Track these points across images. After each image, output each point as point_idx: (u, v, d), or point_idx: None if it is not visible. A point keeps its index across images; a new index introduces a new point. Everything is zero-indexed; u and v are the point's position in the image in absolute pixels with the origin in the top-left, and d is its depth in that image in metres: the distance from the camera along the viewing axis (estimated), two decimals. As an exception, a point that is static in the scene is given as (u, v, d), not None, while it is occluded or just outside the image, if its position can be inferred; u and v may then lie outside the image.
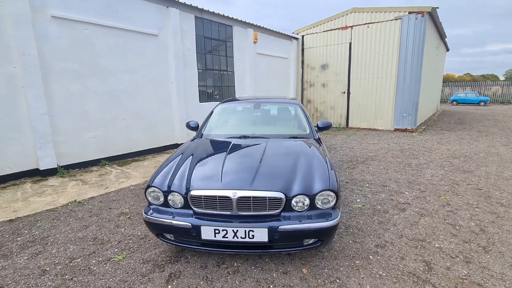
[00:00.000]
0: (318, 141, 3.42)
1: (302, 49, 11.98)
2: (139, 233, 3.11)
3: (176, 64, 7.29)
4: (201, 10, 7.89)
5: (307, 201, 2.27)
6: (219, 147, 3.13)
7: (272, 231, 2.17)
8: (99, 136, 6.07)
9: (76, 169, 5.73)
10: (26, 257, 2.70)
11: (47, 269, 2.50)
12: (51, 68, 5.23)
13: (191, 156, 2.86)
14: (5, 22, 4.68)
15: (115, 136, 6.35)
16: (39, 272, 2.46)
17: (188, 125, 4.04)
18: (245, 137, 3.43)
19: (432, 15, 9.65)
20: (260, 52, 10.18)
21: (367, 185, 4.59)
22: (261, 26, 10.04)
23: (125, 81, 6.40)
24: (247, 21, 9.34)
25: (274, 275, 2.38)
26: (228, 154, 2.84)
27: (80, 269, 2.49)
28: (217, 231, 2.20)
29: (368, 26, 10.18)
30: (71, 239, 3.02)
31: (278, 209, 2.25)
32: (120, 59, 6.26)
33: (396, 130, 10.16)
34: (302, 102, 12.48)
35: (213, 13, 8.16)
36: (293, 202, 2.26)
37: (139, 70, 6.63)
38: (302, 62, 12.09)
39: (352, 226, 3.21)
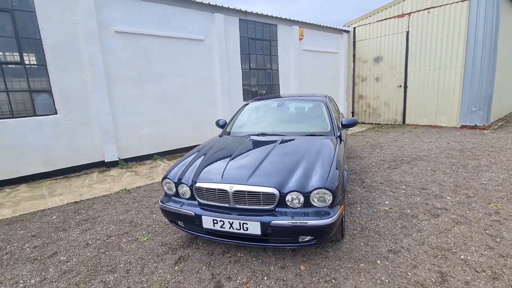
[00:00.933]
0: (338, 138, 3.34)
1: (354, 42, 11.35)
2: (165, 219, 3.50)
3: (220, 66, 7.73)
4: (245, 13, 8.18)
5: (301, 198, 2.29)
6: (235, 143, 3.32)
7: (264, 225, 2.26)
8: (153, 133, 6.86)
9: (133, 162, 6.61)
10: (78, 232, 3.31)
11: (90, 243, 3.05)
12: (113, 75, 6.13)
13: (208, 152, 3.12)
14: (80, 39, 5.67)
15: (166, 133, 7.09)
16: (84, 245, 3.01)
17: (217, 123, 4.33)
18: (263, 134, 3.55)
19: (513, -10, 8.15)
20: (306, 49, 10.03)
21: (403, 187, 4.23)
22: (308, 22, 9.87)
23: (175, 84, 7.08)
24: (292, 19, 9.30)
25: (272, 268, 2.47)
26: (239, 150, 3.00)
27: (112, 245, 2.97)
28: (215, 221, 2.39)
29: (428, 11, 9.12)
30: (114, 220, 3.58)
31: (272, 204, 2.32)
32: (171, 64, 6.95)
33: (463, 127, 8.91)
34: (353, 98, 11.86)
35: (256, 14, 8.37)
36: (287, 198, 2.31)
37: (187, 73, 7.25)
38: (354, 55, 11.46)
39: (369, 229, 3.05)
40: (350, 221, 3.24)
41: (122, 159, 6.41)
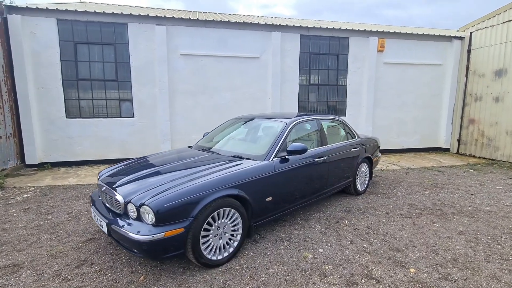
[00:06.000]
0: (276, 164, 3.20)
1: (468, 51, 8.77)
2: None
3: (273, 81, 7.96)
4: (308, 28, 8.04)
5: (135, 211, 2.45)
6: (172, 154, 3.68)
7: (108, 227, 2.57)
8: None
9: (184, 162, 7.86)
10: (80, 204, 4.54)
11: (73, 212, 4.16)
12: (175, 89, 7.57)
13: (144, 158, 3.65)
14: (154, 61, 7.40)
15: (214, 141, 7.99)
16: (69, 212, 4.15)
17: (203, 136, 4.75)
18: (208, 149, 3.75)
19: None
20: (389, 62, 8.65)
21: (376, 241, 3.27)
22: (395, 31, 8.52)
23: (227, 97, 7.90)
24: (368, 29, 8.31)
25: (125, 269, 2.71)
26: (161, 160, 3.38)
27: (78, 217, 3.95)
28: (94, 214, 2.89)
29: None
30: (107, 202, 4.64)
31: (121, 210, 2.59)
32: (225, 80, 7.82)
33: None
34: (461, 122, 9.11)
35: (320, 28, 8.05)
36: (127, 207, 2.52)
37: (239, 88, 7.93)
38: (467, 67, 8.84)
39: (253, 269, 2.71)
40: (252, 256, 2.94)
41: (175, 158, 7.76)
